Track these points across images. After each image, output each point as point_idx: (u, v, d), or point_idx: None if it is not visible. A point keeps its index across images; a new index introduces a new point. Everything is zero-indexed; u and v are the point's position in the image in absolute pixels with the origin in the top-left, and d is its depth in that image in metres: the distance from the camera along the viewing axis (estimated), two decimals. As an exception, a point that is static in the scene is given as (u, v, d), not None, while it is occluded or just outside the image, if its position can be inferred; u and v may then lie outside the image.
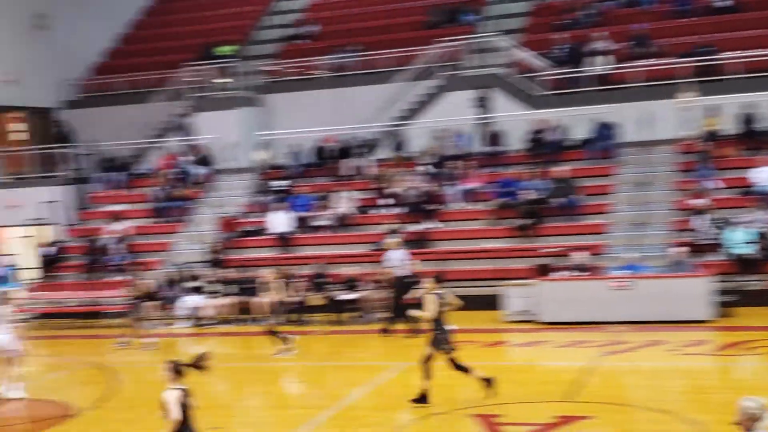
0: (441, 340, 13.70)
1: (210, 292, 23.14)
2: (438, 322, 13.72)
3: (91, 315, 23.92)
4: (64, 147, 29.96)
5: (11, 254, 27.57)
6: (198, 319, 22.95)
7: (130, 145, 30.31)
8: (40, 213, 27.55)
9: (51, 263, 25.91)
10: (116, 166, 28.82)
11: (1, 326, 16.00)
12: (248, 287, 22.69)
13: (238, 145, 28.30)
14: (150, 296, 21.53)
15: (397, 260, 20.57)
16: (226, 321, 22.80)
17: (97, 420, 14.68)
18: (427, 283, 14.17)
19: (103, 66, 34.56)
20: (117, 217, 26.27)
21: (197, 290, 23.32)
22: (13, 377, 16.19)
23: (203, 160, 28.05)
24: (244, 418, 14.67)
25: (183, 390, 9.50)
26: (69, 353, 20.49)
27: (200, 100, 29.98)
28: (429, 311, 13.75)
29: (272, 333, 18.62)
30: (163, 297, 23.20)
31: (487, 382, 13.91)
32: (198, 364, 9.68)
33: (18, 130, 33.03)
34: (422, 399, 13.71)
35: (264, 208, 26.07)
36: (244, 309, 22.70)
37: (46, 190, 28.01)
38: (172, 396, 9.42)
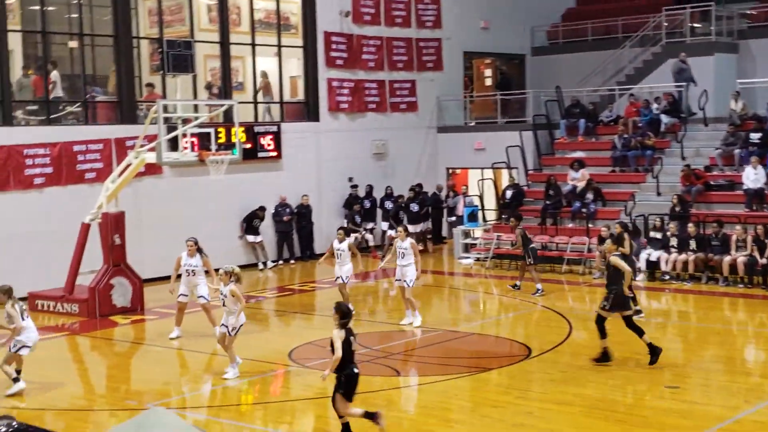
0: None
1: (670, 246, 22.05)
2: None
3: (546, 259, 23.87)
4: (530, 93, 30.11)
5: (474, 195, 28.34)
6: (655, 273, 22.04)
7: (596, 92, 29.86)
8: (504, 156, 27.96)
9: (510, 206, 26.20)
10: (581, 112, 28.41)
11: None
12: (712, 244, 21.41)
13: (711, 93, 26.65)
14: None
15: None
16: (683, 278, 21.63)
17: (551, 362, 14.62)
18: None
19: (572, 12, 34.37)
20: (579, 163, 25.90)
21: (657, 243, 22.33)
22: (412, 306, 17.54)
23: (672, 109, 26.74)
24: (699, 379, 13.79)
25: (348, 330, 10.75)
26: (524, 295, 20.55)
27: (673, 46, 28.68)
28: None
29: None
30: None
31: None
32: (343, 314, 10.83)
33: (488, 75, 33.91)
34: None
35: (735, 162, 24.30)
36: (705, 266, 21.42)
37: (511, 134, 28.34)
38: (337, 335, 10.62)
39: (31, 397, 13.40)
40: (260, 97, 26.34)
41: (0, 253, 20.21)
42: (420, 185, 28.28)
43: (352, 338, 10.90)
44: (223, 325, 14.14)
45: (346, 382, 10.85)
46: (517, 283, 21.09)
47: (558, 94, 29.33)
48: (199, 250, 16.87)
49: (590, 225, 24.09)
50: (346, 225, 27.04)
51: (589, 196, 24.83)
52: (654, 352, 14.27)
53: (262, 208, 25.20)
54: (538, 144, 28.56)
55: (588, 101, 29.30)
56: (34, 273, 20.48)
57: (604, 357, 14.40)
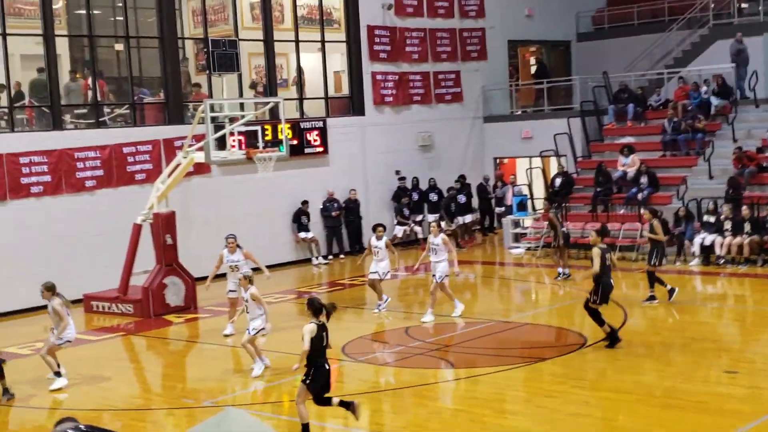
0: None
1: (725, 230, 21.74)
2: None
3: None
4: (576, 80, 29.85)
5: (523, 184, 28.17)
6: (710, 257, 21.76)
7: (644, 76, 29.53)
8: (552, 144, 27.75)
9: (560, 194, 25.99)
10: (629, 97, 28.10)
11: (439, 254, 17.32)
12: (767, 226, 21.10)
13: (761, 74, 26.23)
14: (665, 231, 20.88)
15: None
16: (738, 261, 21.34)
17: (606, 350, 14.54)
18: None
19: (618, -4, 34.05)
20: (629, 149, 25.61)
21: (711, 227, 22.03)
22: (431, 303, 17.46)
23: (722, 91, 26.34)
24: (758, 364, 13.63)
25: (319, 325, 10.76)
26: (575, 283, 20.39)
27: (721, 27, 28.26)
28: None
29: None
30: (674, 233, 22.26)
31: None
32: (329, 310, 10.93)
33: (532, 63, 33.71)
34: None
35: (787, 143, 23.92)
36: (760, 249, 21.11)
37: (559, 121, 28.12)
38: (308, 330, 10.69)
39: (89, 397, 13.55)
40: (294, 94, 26.33)
41: (55, 256, 20.45)
42: (463, 176, 28.13)
43: (324, 334, 10.95)
44: (247, 329, 14.22)
45: (314, 376, 10.93)
46: (560, 270, 20.98)
47: (605, 79, 29.03)
48: (239, 246, 17.01)
49: (642, 211, 23.80)
50: (395, 218, 27.07)
51: (643, 180, 24.55)
52: (612, 338, 14.54)
53: (305, 202, 25.24)
54: (587, 131, 28.29)
55: (636, 86, 28.97)
56: (89, 275, 20.71)
57: (612, 339, 14.53)
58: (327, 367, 10.99)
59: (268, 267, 17.60)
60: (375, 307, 18.36)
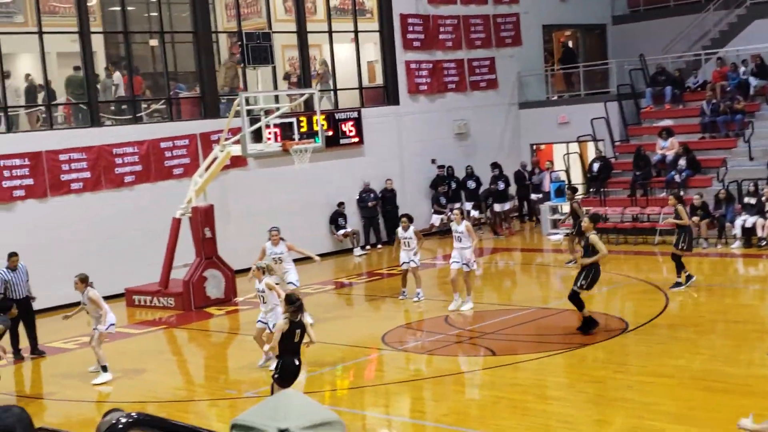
0: None
1: (766, 212, 21.50)
2: None
3: (638, 231, 23.50)
4: (613, 63, 29.63)
5: (560, 170, 28.01)
6: (751, 239, 21.53)
7: (681, 58, 29.23)
8: (589, 129, 27.55)
9: (598, 179, 25.83)
10: (667, 80, 27.83)
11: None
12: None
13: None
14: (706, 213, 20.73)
15: None
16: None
17: (648, 335, 14.41)
18: None
19: (653, -22, 33.68)
20: (667, 132, 25.38)
21: (752, 209, 21.79)
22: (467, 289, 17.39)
23: (761, 71, 26.02)
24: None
25: (294, 323, 11.06)
26: (618, 268, 20.27)
27: (758, 7, 27.90)
28: None
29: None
30: (714, 215, 22.06)
31: None
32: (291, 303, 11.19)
33: (568, 47, 33.46)
34: None
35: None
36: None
37: (596, 106, 27.90)
38: (279, 326, 11.12)
39: (133, 390, 13.69)
40: (318, 86, 26.24)
41: (96, 252, 20.64)
42: (497, 163, 27.95)
43: (298, 330, 11.09)
44: (260, 321, 14.16)
45: (281, 371, 11.12)
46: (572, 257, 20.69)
47: (642, 62, 28.76)
48: (282, 238, 17.00)
49: (682, 194, 23.60)
50: (432, 207, 27.05)
51: (681, 163, 24.31)
52: (588, 324, 14.68)
53: (341, 204, 25.20)
54: (624, 114, 28.06)
55: (673, 68, 28.67)
56: (130, 269, 20.89)
57: (588, 324, 14.67)
58: (297, 363, 11.17)
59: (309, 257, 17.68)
60: (414, 296, 18.33)
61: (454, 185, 27.54)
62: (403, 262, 18.36)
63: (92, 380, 14.14)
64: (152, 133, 22.22)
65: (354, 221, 25.77)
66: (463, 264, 17.17)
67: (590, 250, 14.57)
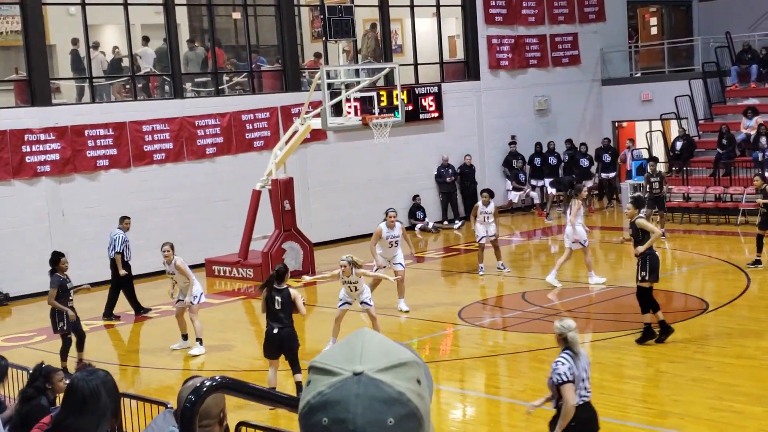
0: None
1: None
2: None
3: (721, 211, 23.09)
4: (698, 40, 29.05)
5: (642, 148, 27.60)
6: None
7: (768, 35, 28.54)
8: (673, 107, 27.08)
9: (681, 157, 25.41)
10: (753, 58, 27.19)
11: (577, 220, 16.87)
12: None
13: None
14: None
15: None
16: None
17: (729, 315, 14.19)
18: None
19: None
20: (752, 111, 24.84)
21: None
22: (590, 265, 17.15)
23: None
24: None
25: (276, 288, 11.53)
26: (699, 248, 19.97)
27: None
28: None
29: None
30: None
31: None
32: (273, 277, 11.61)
33: (653, 24, 32.90)
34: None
35: None
36: None
37: (680, 84, 27.40)
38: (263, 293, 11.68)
39: (212, 358, 13.92)
40: (409, 59, 26.07)
41: (177, 222, 20.99)
42: (570, 140, 27.68)
43: (278, 297, 11.40)
44: (360, 303, 13.78)
45: (265, 338, 11.58)
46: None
47: (728, 39, 28.13)
48: (398, 221, 16.31)
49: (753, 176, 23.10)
50: (511, 183, 26.90)
51: (763, 141, 23.79)
52: (665, 330, 12.97)
53: (416, 196, 25.09)
54: (709, 93, 27.51)
55: (760, 46, 27.99)
56: (210, 240, 21.21)
57: (664, 330, 12.97)
58: (275, 331, 11.42)
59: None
60: (499, 267, 18.31)
61: (538, 162, 27.18)
62: (481, 237, 18.33)
63: (189, 351, 14.23)
64: (234, 106, 22.46)
65: (432, 196, 25.72)
66: (580, 242, 16.88)
67: (640, 236, 13.18)
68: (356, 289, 13.74)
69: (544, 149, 27.37)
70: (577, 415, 7.94)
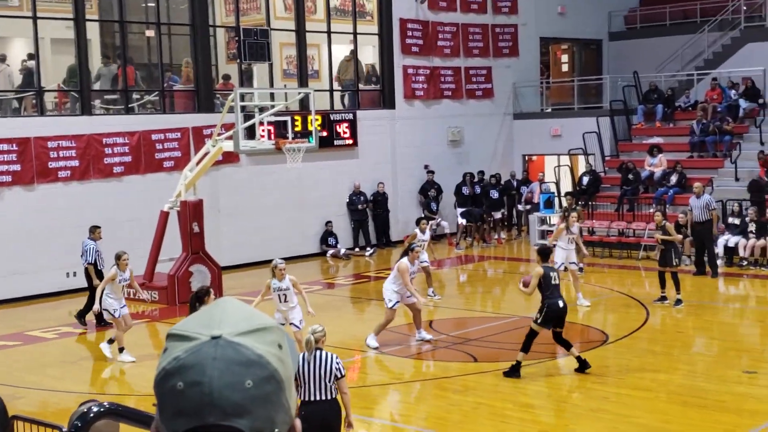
0: None
1: (749, 232, 21.65)
2: None
3: (623, 245, 23.64)
4: (607, 78, 29.78)
5: (550, 182, 28.11)
6: (733, 258, 21.69)
7: (674, 77, 29.40)
8: (581, 143, 27.67)
9: (587, 192, 25.96)
10: (659, 98, 27.99)
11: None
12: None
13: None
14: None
15: None
16: (761, 263, 21.25)
17: (628, 348, 14.50)
18: None
19: (651, -4, 33.89)
20: (657, 149, 25.53)
21: (736, 228, 21.94)
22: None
23: (751, 93, 26.19)
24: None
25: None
26: (601, 281, 20.37)
27: (752, 30, 28.09)
28: None
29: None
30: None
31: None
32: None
33: (564, 61, 33.63)
34: None
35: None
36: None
37: (588, 120, 28.03)
38: None
39: (111, 382, 13.69)
40: (325, 85, 26.21)
41: (81, 242, 20.60)
42: (482, 172, 28.08)
43: None
44: (291, 323, 13.71)
45: None
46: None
47: (635, 79, 28.92)
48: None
49: (668, 211, 23.74)
50: (423, 212, 27.09)
51: (673, 179, 24.47)
52: (583, 365, 13.04)
53: (329, 222, 25.12)
54: (615, 130, 28.20)
55: (666, 86, 28.85)
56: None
57: (514, 369, 13.00)
58: None
59: (298, 257, 17.65)
60: (428, 294, 18.60)
61: (478, 189, 27.31)
62: (423, 262, 18.42)
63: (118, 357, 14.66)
64: (144, 125, 22.22)
65: (344, 222, 25.76)
66: (570, 263, 17.88)
67: (542, 284, 12.95)
68: (286, 300, 13.74)
69: (456, 179, 27.66)
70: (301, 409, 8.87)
